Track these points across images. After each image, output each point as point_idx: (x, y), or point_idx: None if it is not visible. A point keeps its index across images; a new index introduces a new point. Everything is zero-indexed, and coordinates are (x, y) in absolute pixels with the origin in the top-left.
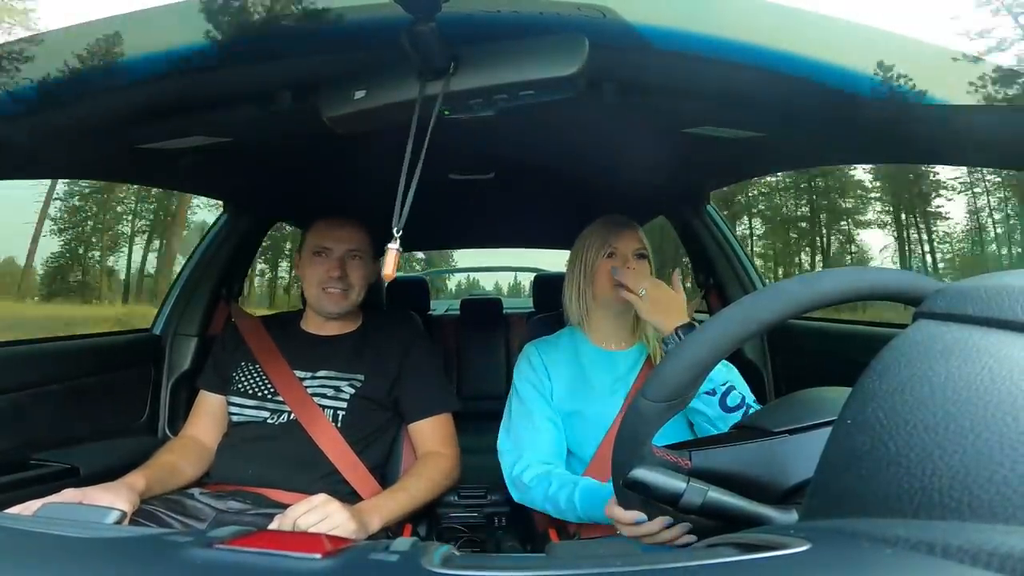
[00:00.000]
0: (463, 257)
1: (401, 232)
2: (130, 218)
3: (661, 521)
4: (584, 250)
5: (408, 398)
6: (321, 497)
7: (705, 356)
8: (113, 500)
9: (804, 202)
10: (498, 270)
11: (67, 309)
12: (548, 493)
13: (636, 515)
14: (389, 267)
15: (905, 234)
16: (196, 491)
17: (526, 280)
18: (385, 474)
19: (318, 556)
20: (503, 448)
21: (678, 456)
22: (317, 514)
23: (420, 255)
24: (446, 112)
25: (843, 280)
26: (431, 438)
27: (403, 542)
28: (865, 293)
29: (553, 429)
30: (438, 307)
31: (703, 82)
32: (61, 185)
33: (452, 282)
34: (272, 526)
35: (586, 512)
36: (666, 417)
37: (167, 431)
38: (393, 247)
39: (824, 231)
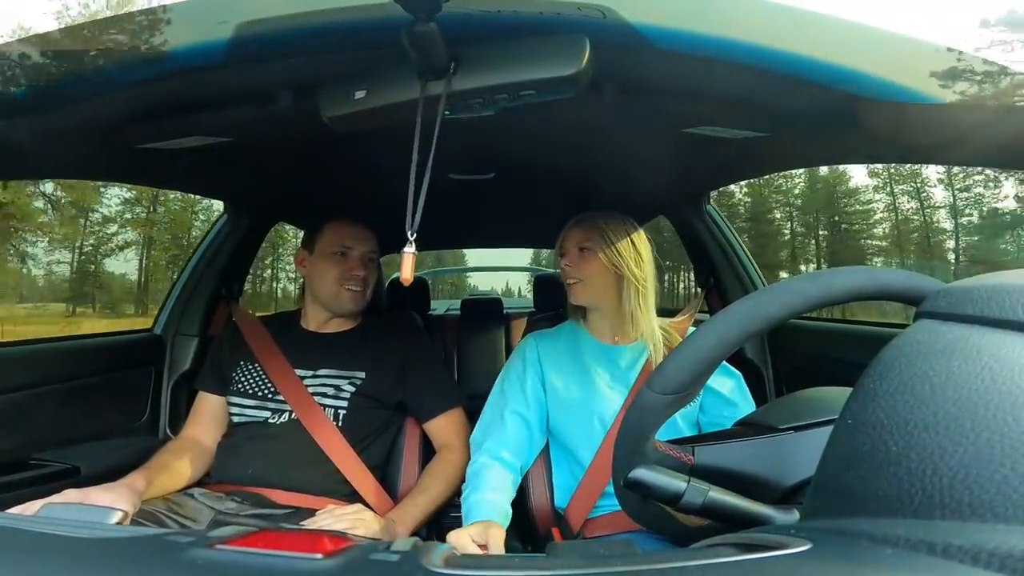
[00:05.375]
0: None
1: (415, 235)
2: None
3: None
4: None
5: (419, 398)
6: (356, 507)
7: (712, 349)
8: (114, 500)
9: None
10: (499, 270)
11: None
12: (465, 494)
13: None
14: (407, 271)
15: None
16: (196, 491)
17: (514, 284)
18: (385, 473)
19: (319, 556)
20: (473, 440)
21: (681, 451)
22: (348, 522)
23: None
24: (447, 112)
25: (850, 279)
26: (448, 432)
27: (404, 542)
28: (870, 292)
29: (519, 424)
30: (441, 307)
31: (703, 82)
32: None
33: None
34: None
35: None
36: (670, 411)
37: (168, 431)
38: (409, 251)
39: None
